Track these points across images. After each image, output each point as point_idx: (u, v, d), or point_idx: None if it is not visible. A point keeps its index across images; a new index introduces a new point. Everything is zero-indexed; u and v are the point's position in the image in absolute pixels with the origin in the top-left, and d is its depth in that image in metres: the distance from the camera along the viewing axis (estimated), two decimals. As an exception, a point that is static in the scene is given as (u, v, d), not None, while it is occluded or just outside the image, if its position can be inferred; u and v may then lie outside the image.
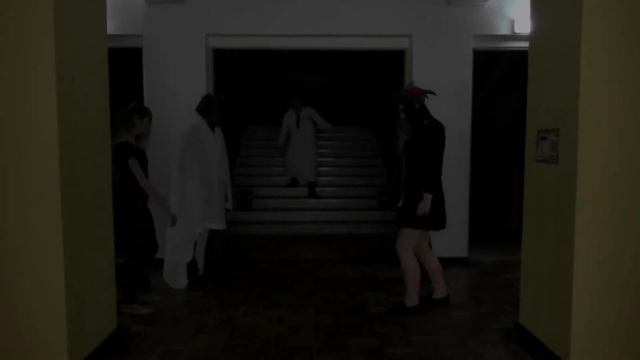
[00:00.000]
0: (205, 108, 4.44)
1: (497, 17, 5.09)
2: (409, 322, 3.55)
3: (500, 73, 6.87)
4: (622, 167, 2.69)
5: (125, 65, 5.30)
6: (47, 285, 2.59)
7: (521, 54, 4.17)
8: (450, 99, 4.98)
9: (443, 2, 5.08)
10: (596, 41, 2.63)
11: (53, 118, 2.51)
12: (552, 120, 2.94)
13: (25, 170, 2.53)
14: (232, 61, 7.36)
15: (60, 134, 2.54)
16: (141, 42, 5.04)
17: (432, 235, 4.11)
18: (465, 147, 5.20)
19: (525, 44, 3.67)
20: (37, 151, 2.53)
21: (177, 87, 5.06)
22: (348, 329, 3.44)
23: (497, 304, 3.97)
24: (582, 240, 2.68)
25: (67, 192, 2.60)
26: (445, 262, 4.30)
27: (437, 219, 3.65)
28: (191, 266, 4.49)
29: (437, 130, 3.61)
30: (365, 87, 9.82)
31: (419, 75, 5.01)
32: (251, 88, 9.94)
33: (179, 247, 4.35)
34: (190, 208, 4.31)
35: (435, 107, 3.90)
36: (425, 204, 3.53)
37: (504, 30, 5.10)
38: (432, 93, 3.70)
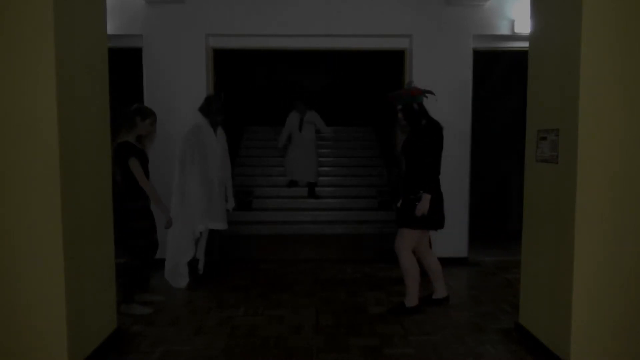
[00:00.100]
0: (207, 108, 4.47)
1: (497, 17, 5.09)
2: (409, 322, 3.55)
3: (500, 73, 6.88)
4: (622, 167, 2.69)
5: (125, 65, 5.30)
6: (47, 285, 2.59)
7: (521, 54, 4.17)
8: (450, 99, 4.99)
9: (443, 2, 5.09)
10: (596, 41, 2.63)
11: (53, 118, 2.51)
12: (552, 120, 2.94)
13: (25, 170, 2.53)
14: (232, 61, 7.35)
15: (60, 134, 2.54)
16: (141, 42, 5.04)
17: (432, 235, 4.12)
18: (465, 147, 5.20)
19: (525, 44, 3.67)
20: (37, 151, 2.53)
21: (177, 87, 5.06)
22: (348, 329, 3.44)
23: (497, 304, 3.97)
24: (582, 240, 2.68)
25: (67, 192, 2.60)
26: (445, 262, 4.31)
27: (435, 219, 3.65)
28: (192, 265, 4.50)
29: (435, 130, 3.61)
30: (365, 87, 9.81)
31: (419, 75, 5.02)
32: (251, 88, 9.94)
33: (179, 247, 4.36)
34: (190, 207, 4.33)
35: (436, 107, 3.90)
36: (423, 205, 3.53)
37: (504, 30, 5.10)
38: (431, 93, 3.70)
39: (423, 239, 3.83)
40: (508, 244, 5.68)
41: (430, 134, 3.60)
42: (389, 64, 6.77)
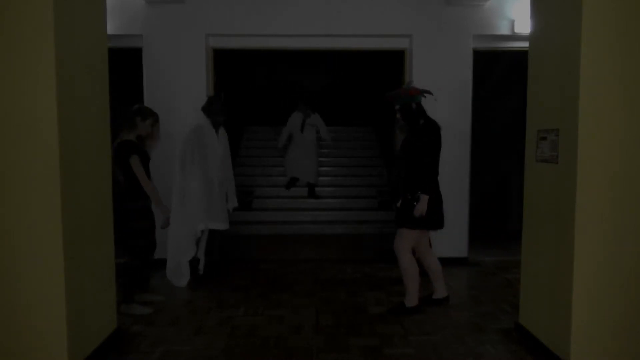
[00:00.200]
0: (209, 108, 4.48)
1: (497, 17, 5.09)
2: (409, 322, 3.55)
3: (500, 73, 6.87)
4: (622, 167, 2.69)
5: (125, 65, 5.30)
6: (47, 285, 2.59)
7: (521, 54, 4.17)
8: (450, 99, 4.99)
9: (443, 2, 5.09)
10: (596, 41, 2.63)
11: (53, 118, 2.51)
12: (552, 120, 2.94)
13: (25, 170, 2.53)
14: (232, 61, 7.35)
15: (60, 134, 2.54)
16: (141, 42, 5.04)
17: (432, 235, 4.12)
18: (465, 147, 5.20)
19: (525, 44, 3.67)
20: (37, 151, 2.53)
21: (177, 87, 5.06)
22: (348, 329, 3.44)
23: (497, 304, 3.97)
24: (582, 240, 2.68)
25: (67, 192, 2.60)
26: (445, 262, 4.31)
27: (435, 219, 3.65)
28: (192, 265, 4.51)
29: (433, 130, 3.61)
30: (365, 87, 9.81)
31: (419, 75, 5.02)
32: (251, 88, 9.94)
33: (180, 246, 4.38)
34: (191, 207, 4.34)
35: (436, 107, 3.90)
36: (422, 205, 3.53)
37: (504, 30, 5.10)
38: (429, 93, 3.70)
39: (423, 239, 3.83)
40: (508, 244, 5.67)
41: (428, 134, 3.59)
42: (389, 64, 6.77)
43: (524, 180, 3.32)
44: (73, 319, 2.67)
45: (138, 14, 5.00)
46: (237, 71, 8.22)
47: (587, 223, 2.68)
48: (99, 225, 3.05)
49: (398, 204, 3.70)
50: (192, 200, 4.35)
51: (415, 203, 3.55)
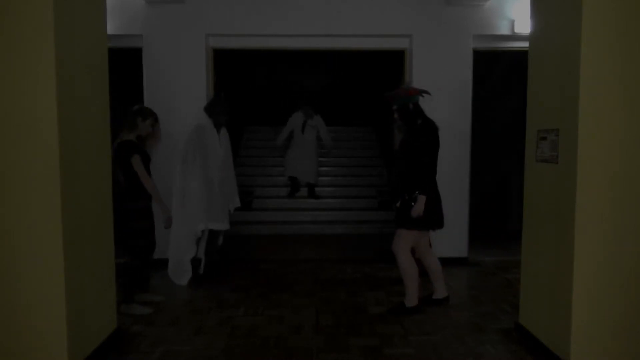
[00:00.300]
0: (211, 108, 4.49)
1: (497, 17, 5.09)
2: (409, 322, 3.55)
3: (500, 73, 6.88)
4: (622, 167, 2.69)
5: (125, 65, 5.30)
6: (47, 285, 2.59)
7: (521, 54, 4.17)
8: (450, 99, 4.99)
9: (443, 2, 5.08)
10: (596, 41, 2.63)
11: (53, 118, 2.51)
12: (552, 120, 2.94)
13: (25, 170, 2.53)
14: (232, 61, 7.35)
15: (60, 134, 2.54)
16: (141, 42, 5.04)
17: (432, 235, 4.11)
18: (465, 147, 5.20)
19: (525, 44, 3.67)
20: (37, 151, 2.53)
21: (177, 87, 5.06)
22: (348, 329, 3.44)
23: (497, 304, 3.97)
24: (582, 240, 2.68)
25: (67, 192, 2.60)
26: (445, 262, 4.31)
27: (433, 219, 3.65)
28: (193, 265, 4.51)
29: (430, 130, 3.60)
30: (365, 87, 9.81)
31: (419, 75, 5.02)
32: (251, 88, 9.94)
33: (180, 246, 4.40)
34: (191, 207, 4.34)
35: (436, 107, 3.90)
36: (419, 206, 3.52)
37: (504, 30, 5.10)
38: (427, 93, 3.70)
39: (422, 239, 3.83)
40: (508, 244, 5.67)
41: (426, 134, 3.59)
42: (389, 64, 6.78)
43: (524, 180, 3.32)
44: (73, 319, 2.67)
45: (138, 14, 5.00)
46: (237, 71, 8.22)
47: (587, 223, 2.68)
48: (99, 225, 3.05)
49: (397, 204, 3.70)
50: (192, 201, 4.35)
51: (412, 203, 3.55)
